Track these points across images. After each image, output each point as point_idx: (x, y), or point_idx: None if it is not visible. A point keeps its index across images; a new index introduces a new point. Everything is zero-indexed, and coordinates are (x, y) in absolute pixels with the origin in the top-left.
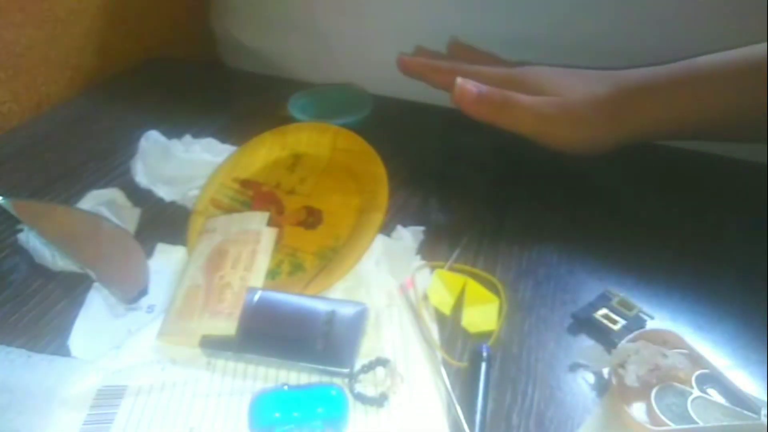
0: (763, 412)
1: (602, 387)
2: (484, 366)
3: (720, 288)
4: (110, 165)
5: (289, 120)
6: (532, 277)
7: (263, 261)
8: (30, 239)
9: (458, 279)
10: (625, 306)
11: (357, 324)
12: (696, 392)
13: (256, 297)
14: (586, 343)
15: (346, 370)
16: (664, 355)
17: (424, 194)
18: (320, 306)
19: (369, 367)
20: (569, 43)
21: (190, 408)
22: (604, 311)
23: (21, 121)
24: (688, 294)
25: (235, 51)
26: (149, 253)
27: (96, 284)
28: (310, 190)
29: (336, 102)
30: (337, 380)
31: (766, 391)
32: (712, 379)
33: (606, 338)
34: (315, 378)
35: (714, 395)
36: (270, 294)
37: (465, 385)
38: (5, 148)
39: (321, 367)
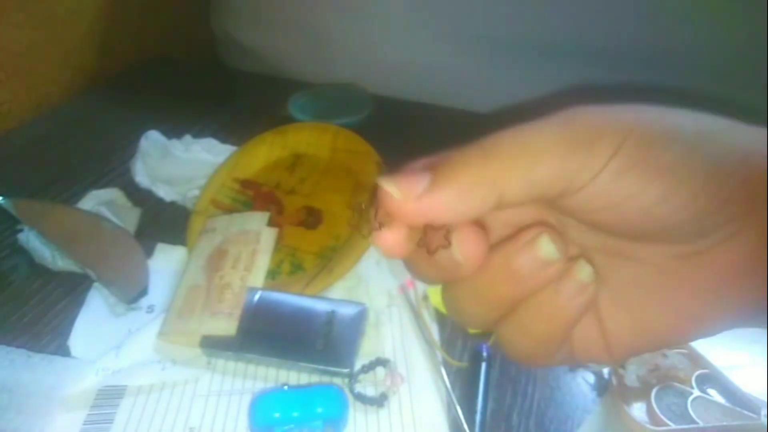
0: (763, 412)
1: (602, 387)
2: (484, 366)
3: None
4: (110, 165)
5: (289, 120)
6: None
7: (263, 261)
8: (30, 239)
9: None
10: None
11: (357, 324)
12: (696, 392)
13: (257, 297)
14: None
15: (346, 370)
16: (664, 355)
17: None
18: (320, 306)
19: (369, 367)
20: (571, 45)
21: (190, 408)
22: None
23: (21, 121)
24: None
25: (235, 51)
26: (149, 253)
27: (96, 284)
28: (310, 190)
29: (336, 102)
30: (337, 380)
31: (766, 391)
32: (712, 379)
33: None
34: (315, 378)
35: (714, 395)
36: (270, 294)
37: (465, 385)
38: (5, 148)
39: (321, 367)
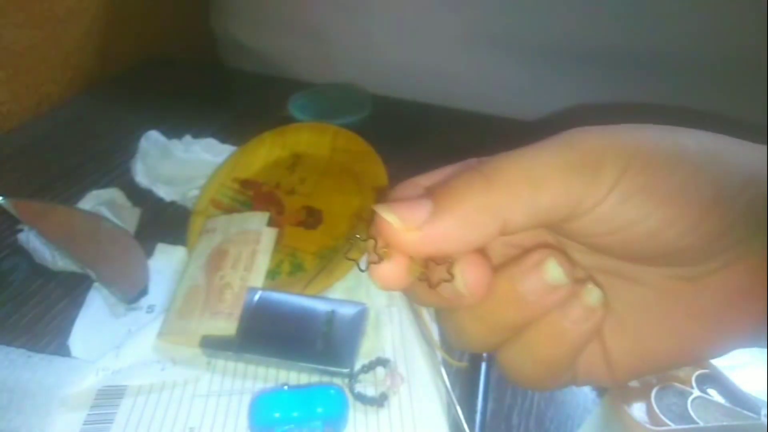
0: (763, 412)
1: (602, 387)
2: (484, 366)
3: None
4: (110, 165)
5: (289, 120)
6: None
7: (263, 261)
8: (30, 239)
9: None
10: None
11: (357, 324)
12: (696, 392)
13: (256, 297)
14: None
15: (346, 370)
16: None
17: None
18: (320, 306)
19: (369, 367)
20: (573, 46)
21: (190, 408)
22: None
23: (21, 121)
24: None
25: (235, 51)
26: (149, 253)
27: (96, 284)
28: (310, 190)
29: (336, 102)
30: (337, 380)
31: (766, 391)
32: (712, 379)
33: None
34: (315, 378)
35: (714, 395)
36: (270, 294)
37: (465, 385)
38: (5, 148)
39: (321, 367)
